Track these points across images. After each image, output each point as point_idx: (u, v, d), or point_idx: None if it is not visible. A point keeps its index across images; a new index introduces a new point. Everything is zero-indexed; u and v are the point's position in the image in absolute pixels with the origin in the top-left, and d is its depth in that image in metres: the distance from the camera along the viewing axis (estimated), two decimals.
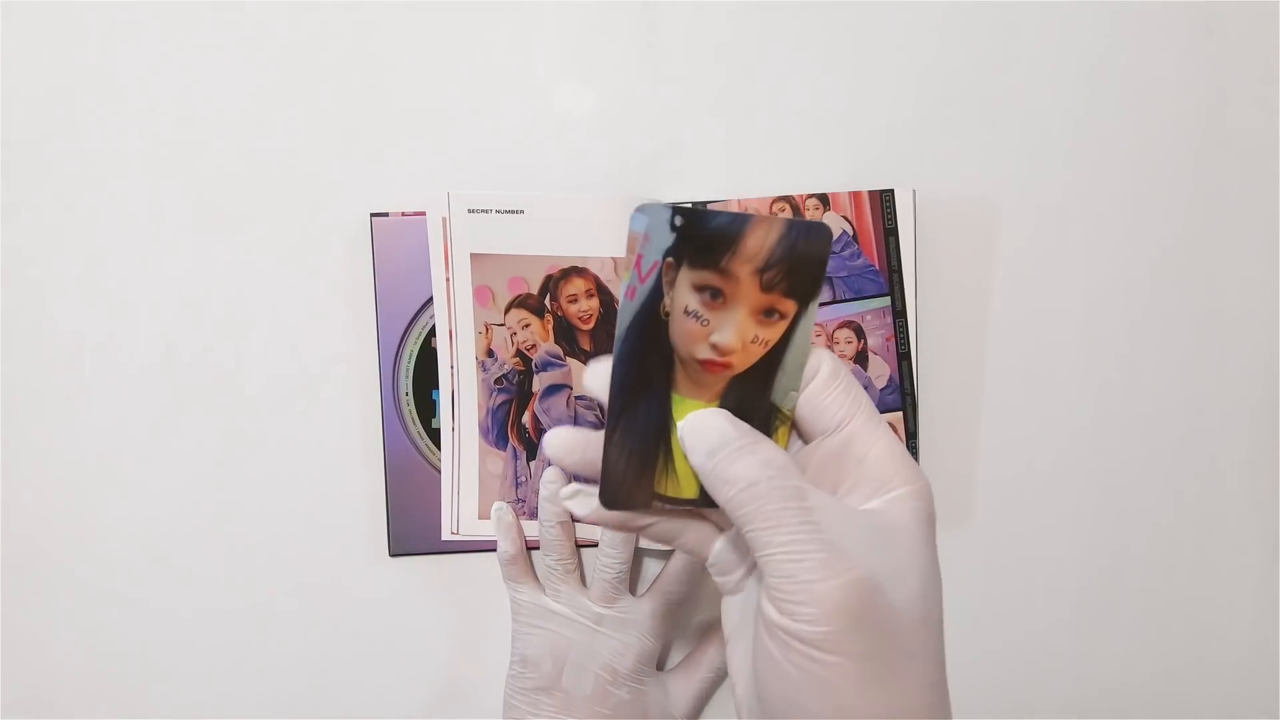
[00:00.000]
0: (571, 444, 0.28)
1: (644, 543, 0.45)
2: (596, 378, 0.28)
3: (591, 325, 0.43)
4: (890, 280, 0.44)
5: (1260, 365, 0.48)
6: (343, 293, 0.44)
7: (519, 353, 0.44)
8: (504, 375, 0.44)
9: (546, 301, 0.43)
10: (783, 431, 0.28)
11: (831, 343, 0.44)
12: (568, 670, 0.42)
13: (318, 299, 0.45)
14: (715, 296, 0.26)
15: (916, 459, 0.44)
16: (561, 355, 0.44)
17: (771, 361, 0.27)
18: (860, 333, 0.44)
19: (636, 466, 0.28)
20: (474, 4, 0.44)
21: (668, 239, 0.26)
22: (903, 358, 0.44)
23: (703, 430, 0.26)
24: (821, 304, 0.44)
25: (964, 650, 0.38)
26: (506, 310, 0.43)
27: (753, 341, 0.27)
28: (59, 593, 0.45)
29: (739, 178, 0.45)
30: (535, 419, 0.44)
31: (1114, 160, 0.46)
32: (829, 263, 0.27)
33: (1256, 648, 0.49)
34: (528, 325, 0.43)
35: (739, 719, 0.28)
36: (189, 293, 0.44)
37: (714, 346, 0.27)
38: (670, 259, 0.26)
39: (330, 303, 0.45)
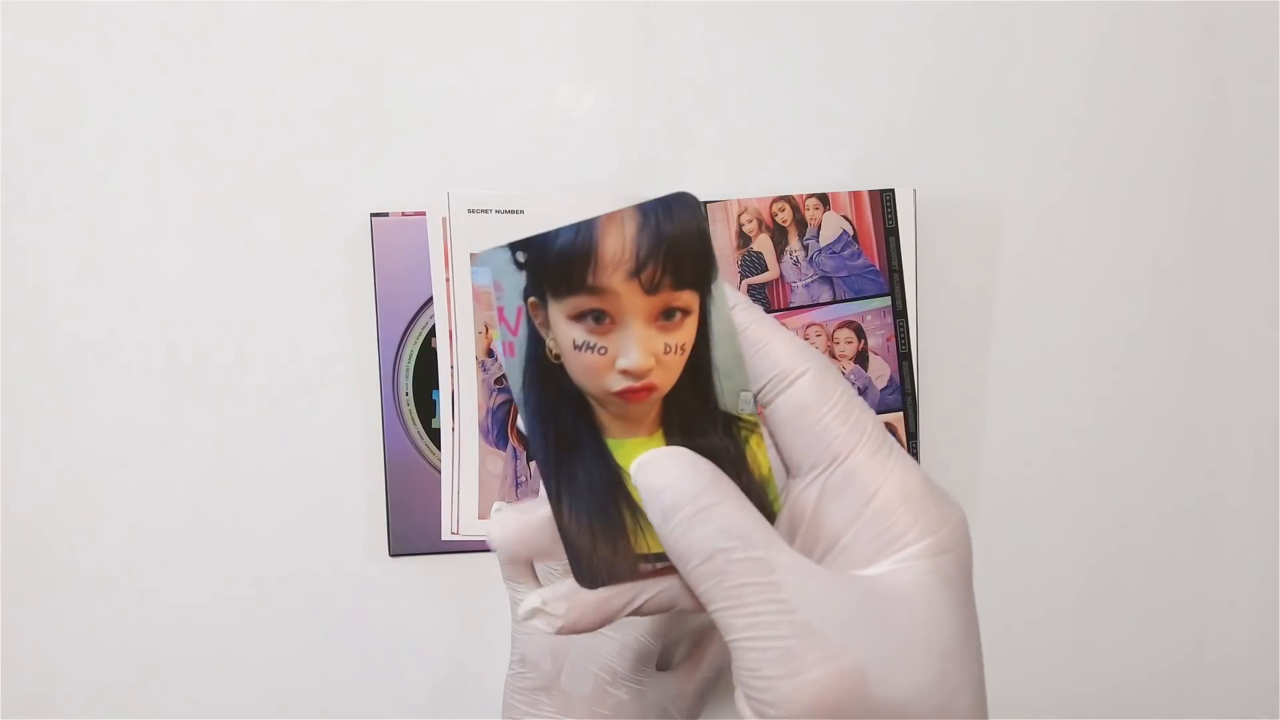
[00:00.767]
0: (519, 532, 0.24)
1: None
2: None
3: None
4: (890, 280, 0.44)
5: (1261, 365, 0.48)
6: (343, 293, 0.44)
7: None
8: (504, 375, 0.44)
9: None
10: (755, 442, 0.24)
11: (832, 343, 0.44)
12: (566, 670, 0.42)
13: (318, 299, 0.45)
14: (599, 319, 0.23)
15: (917, 459, 0.44)
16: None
17: (699, 366, 0.23)
18: (860, 333, 0.44)
19: (604, 535, 0.23)
20: (474, 4, 0.44)
21: (519, 279, 0.23)
22: (903, 358, 0.44)
23: (656, 487, 0.22)
24: (822, 304, 0.44)
25: None
26: None
27: (666, 352, 0.23)
28: (59, 592, 0.45)
29: (739, 178, 0.45)
30: None
31: (1114, 159, 0.46)
32: (707, 239, 0.23)
33: (1256, 648, 0.49)
34: None
35: None
36: (189, 292, 0.44)
37: (624, 373, 0.23)
38: (532, 298, 0.23)
39: (330, 303, 0.45)
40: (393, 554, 0.45)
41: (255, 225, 0.44)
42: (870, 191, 0.44)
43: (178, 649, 0.46)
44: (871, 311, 0.44)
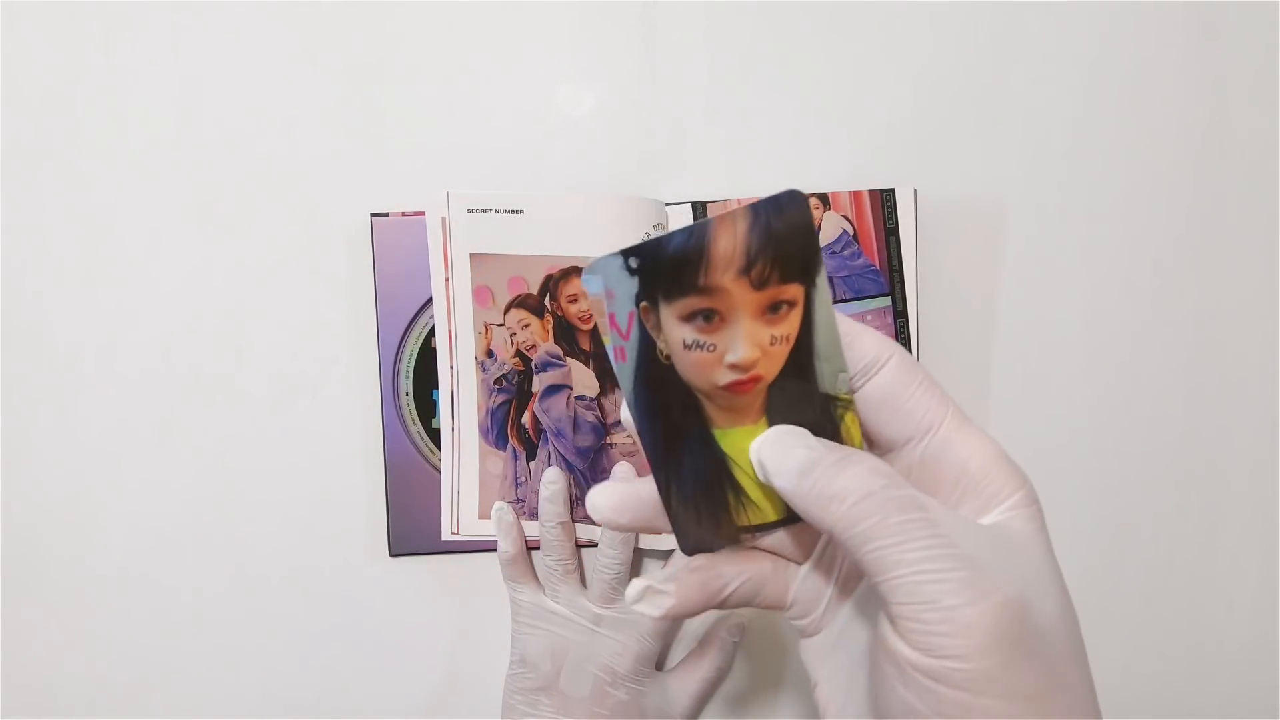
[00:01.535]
0: (621, 504, 0.25)
1: (645, 543, 0.44)
2: (630, 423, 0.25)
3: (591, 325, 0.43)
4: (891, 280, 0.44)
5: (1261, 365, 0.48)
6: (343, 293, 0.44)
7: (519, 353, 0.44)
8: (504, 375, 0.44)
9: (546, 301, 0.43)
10: (850, 419, 0.25)
11: None
12: (566, 671, 0.42)
13: (318, 299, 0.45)
14: (709, 319, 0.24)
15: None
16: (561, 355, 0.44)
17: (802, 354, 0.24)
18: None
19: (708, 512, 0.25)
20: (474, 4, 0.44)
21: (631, 286, 0.23)
22: None
23: (784, 452, 0.23)
24: None
25: None
26: (506, 310, 0.43)
27: (771, 344, 0.24)
28: (60, 593, 0.45)
29: (739, 177, 0.45)
30: (535, 419, 0.44)
31: (1115, 159, 0.46)
32: (816, 237, 0.24)
33: (1256, 648, 0.49)
34: (527, 325, 0.43)
35: None
36: (189, 293, 0.44)
37: (732, 367, 0.24)
38: (644, 303, 0.24)
39: (330, 303, 0.45)
40: (393, 554, 0.45)
41: (255, 226, 0.44)
42: (870, 191, 0.44)
43: (178, 649, 0.46)
44: (872, 311, 0.44)
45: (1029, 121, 0.46)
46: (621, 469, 0.44)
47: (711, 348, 0.24)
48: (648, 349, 0.24)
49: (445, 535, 0.45)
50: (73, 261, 0.44)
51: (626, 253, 0.23)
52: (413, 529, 0.45)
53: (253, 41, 0.43)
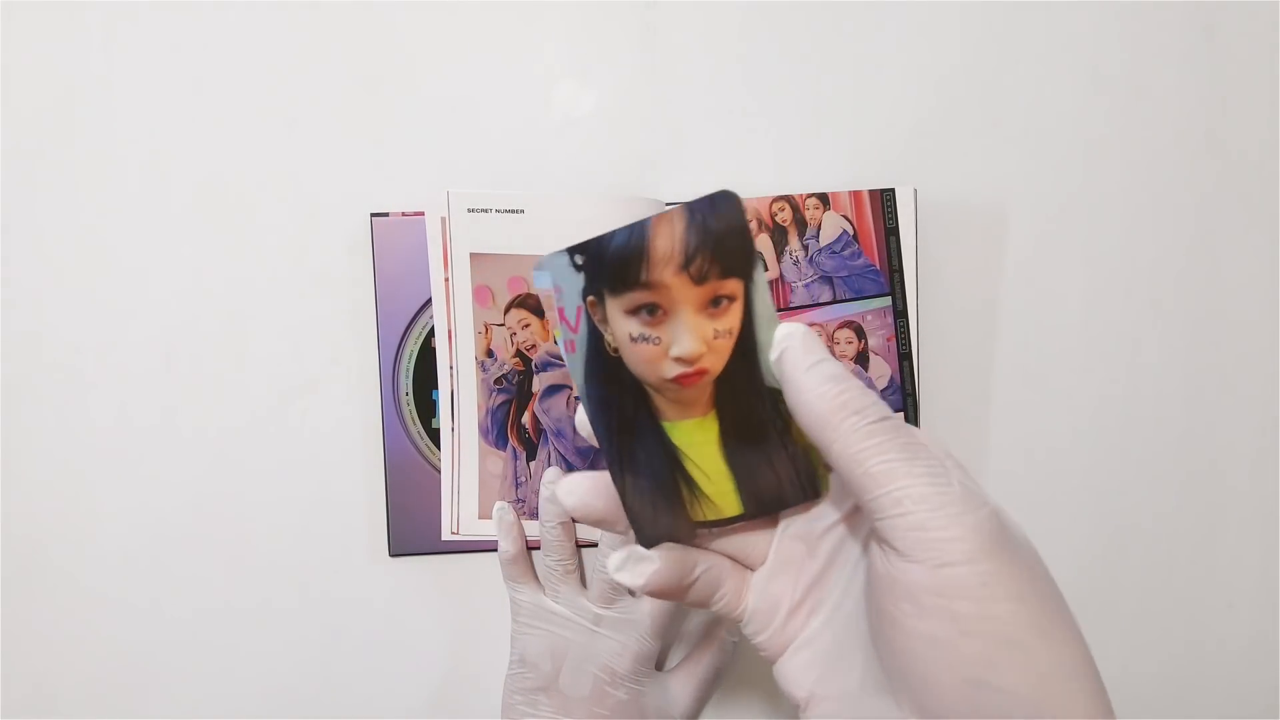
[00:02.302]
0: (592, 492, 0.26)
1: None
2: (584, 426, 0.26)
3: None
4: (891, 280, 0.44)
5: (1262, 365, 0.48)
6: (343, 293, 0.44)
7: (519, 353, 0.44)
8: (504, 375, 0.44)
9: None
10: None
11: (832, 343, 0.44)
12: (565, 671, 0.42)
13: (318, 299, 0.44)
14: (653, 312, 0.25)
15: None
16: (561, 355, 0.44)
17: (746, 348, 0.25)
18: (861, 333, 0.44)
19: (664, 506, 0.26)
20: (474, 4, 0.44)
21: (577, 281, 0.25)
22: (904, 358, 0.44)
23: (812, 351, 0.24)
24: (822, 304, 0.44)
25: None
26: (506, 310, 0.43)
27: (715, 338, 0.25)
28: (59, 593, 0.45)
29: (739, 178, 0.45)
30: (535, 419, 0.44)
31: (1115, 159, 0.46)
32: (748, 232, 0.25)
33: (1256, 648, 0.49)
34: (528, 325, 0.43)
35: None
36: (189, 293, 0.44)
37: (678, 360, 0.25)
38: (590, 297, 0.25)
39: (330, 303, 0.45)
40: (393, 554, 0.45)
41: (255, 225, 0.44)
42: (870, 191, 0.44)
43: (177, 649, 0.46)
44: (872, 311, 0.44)
45: (1029, 121, 0.46)
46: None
47: (656, 340, 0.25)
48: (596, 341, 0.25)
49: (445, 535, 0.45)
50: (73, 261, 0.44)
51: (572, 250, 0.25)
52: (413, 529, 0.45)
53: (253, 41, 0.43)
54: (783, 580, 0.26)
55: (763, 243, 0.44)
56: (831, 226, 0.44)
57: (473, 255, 0.43)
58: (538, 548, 0.44)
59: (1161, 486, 0.48)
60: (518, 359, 0.44)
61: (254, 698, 0.46)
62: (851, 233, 0.44)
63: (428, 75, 0.44)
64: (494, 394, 0.44)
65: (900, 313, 0.44)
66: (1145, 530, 0.48)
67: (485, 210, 0.42)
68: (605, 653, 0.42)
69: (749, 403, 0.26)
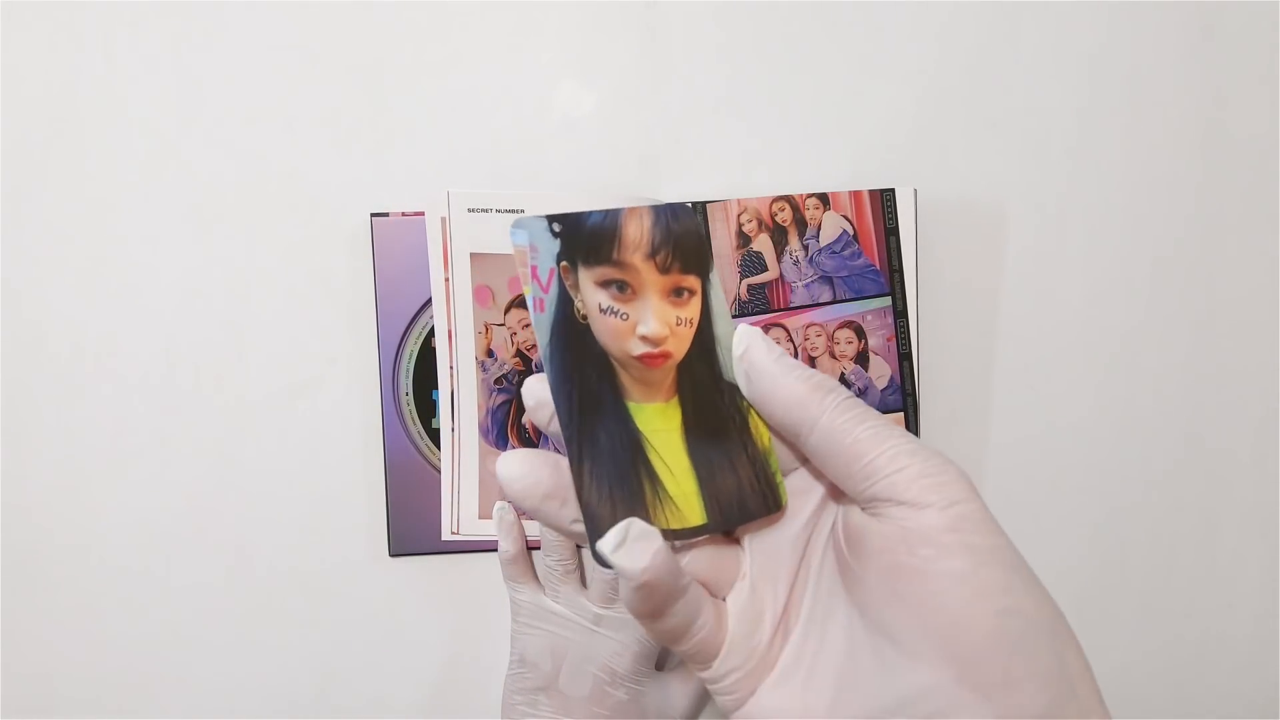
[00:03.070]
0: (530, 470, 0.24)
1: None
2: (534, 394, 0.25)
3: None
4: (891, 280, 0.44)
5: (1261, 365, 0.48)
6: (343, 293, 0.44)
7: (519, 353, 0.44)
8: (504, 375, 0.44)
9: None
10: (755, 413, 0.26)
11: (832, 343, 0.44)
12: (565, 671, 0.42)
13: (318, 299, 0.44)
14: (623, 289, 0.26)
15: None
16: None
17: (705, 339, 0.26)
18: (861, 333, 0.44)
19: (624, 505, 0.24)
20: (474, 4, 0.44)
21: (553, 245, 0.26)
22: (904, 358, 0.44)
23: (773, 345, 0.25)
24: (822, 304, 0.44)
25: None
26: (507, 310, 0.43)
27: (678, 324, 0.26)
28: (59, 593, 0.45)
29: (739, 178, 0.45)
30: None
31: (1114, 159, 0.46)
32: (706, 241, 0.27)
33: (1256, 648, 0.49)
34: (528, 325, 0.43)
35: None
36: (189, 292, 0.44)
37: (644, 339, 0.26)
38: (564, 263, 0.26)
39: (330, 303, 0.45)
40: (393, 554, 0.45)
41: (255, 225, 0.44)
42: (870, 191, 0.44)
43: (178, 649, 0.46)
44: (872, 311, 0.44)
45: (1029, 121, 0.46)
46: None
47: (625, 316, 0.26)
48: (565, 305, 0.26)
49: (445, 535, 0.45)
50: (73, 261, 0.44)
51: (551, 217, 0.26)
52: (413, 529, 0.45)
53: (253, 41, 0.43)
54: (761, 600, 0.25)
55: (762, 243, 0.44)
56: (831, 226, 0.44)
57: (473, 255, 0.43)
58: (538, 548, 0.44)
59: (1161, 486, 0.48)
60: (518, 359, 0.44)
61: (254, 698, 0.46)
62: (851, 233, 0.44)
63: (428, 75, 0.44)
64: (494, 394, 0.44)
65: (900, 313, 0.44)
66: (1145, 530, 0.48)
67: (485, 210, 0.42)
68: (605, 653, 0.42)
69: (710, 393, 0.26)
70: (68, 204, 0.44)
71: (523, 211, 0.42)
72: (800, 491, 0.26)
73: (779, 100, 0.45)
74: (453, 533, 0.44)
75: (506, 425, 0.44)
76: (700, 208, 0.43)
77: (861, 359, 0.44)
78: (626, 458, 0.25)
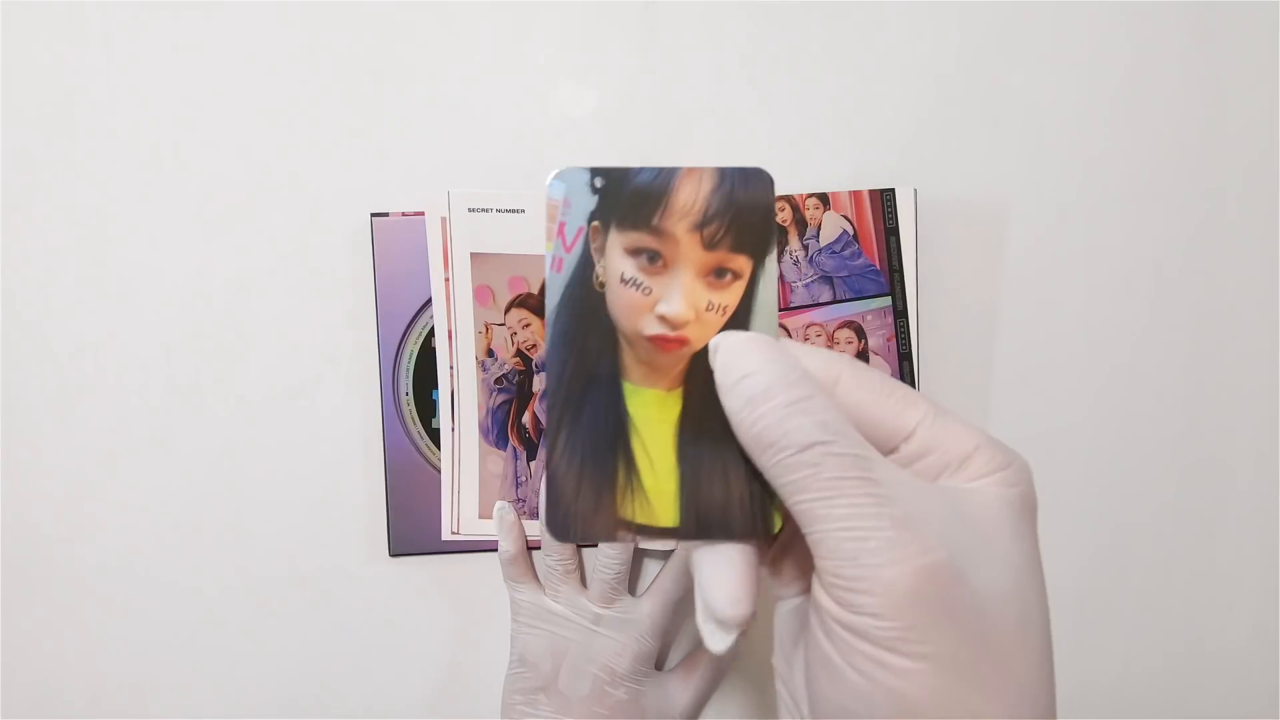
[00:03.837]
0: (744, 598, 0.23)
1: (644, 543, 0.44)
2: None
3: None
4: (891, 280, 0.44)
5: (1262, 365, 0.48)
6: (343, 293, 0.44)
7: (519, 352, 0.44)
8: (504, 375, 0.44)
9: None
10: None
11: (832, 343, 0.44)
12: (564, 670, 0.42)
13: (318, 299, 0.44)
14: (653, 260, 0.23)
15: None
16: None
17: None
18: (861, 333, 0.44)
19: (591, 485, 0.23)
20: (474, 4, 0.44)
21: (589, 202, 0.23)
22: (904, 358, 0.44)
23: (744, 369, 0.22)
24: (822, 304, 0.44)
25: None
26: (507, 310, 0.43)
27: (708, 309, 0.23)
28: (59, 593, 0.45)
29: None
30: (536, 419, 0.44)
31: (1115, 159, 0.46)
32: (772, 215, 0.24)
33: (1256, 648, 0.49)
34: (528, 325, 0.43)
35: None
36: (189, 293, 0.44)
37: (662, 319, 0.23)
38: (596, 222, 0.23)
39: (330, 303, 0.45)
40: (393, 554, 0.45)
41: (255, 225, 0.44)
42: (870, 191, 0.44)
43: (177, 649, 0.46)
44: (872, 311, 0.44)
45: (1029, 121, 0.46)
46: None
47: (647, 290, 0.24)
48: (585, 269, 0.24)
49: (445, 535, 0.44)
50: (73, 262, 0.44)
51: (596, 170, 0.24)
52: (413, 529, 0.45)
53: (253, 41, 0.43)
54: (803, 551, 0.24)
55: None
56: (831, 226, 0.44)
57: (473, 255, 0.43)
58: (538, 547, 0.44)
59: (1161, 486, 0.48)
60: (518, 358, 0.44)
61: (254, 698, 0.46)
62: (851, 233, 0.44)
63: (428, 75, 0.44)
64: (494, 394, 0.44)
65: (900, 313, 0.44)
66: (1145, 530, 0.48)
67: (485, 210, 0.42)
68: (605, 652, 0.42)
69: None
70: (68, 204, 0.44)
71: (523, 212, 0.42)
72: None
73: (779, 100, 0.45)
74: (453, 533, 0.44)
75: (506, 425, 0.44)
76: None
77: (861, 359, 0.44)
78: (607, 437, 0.23)
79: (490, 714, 0.46)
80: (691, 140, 0.45)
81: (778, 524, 0.23)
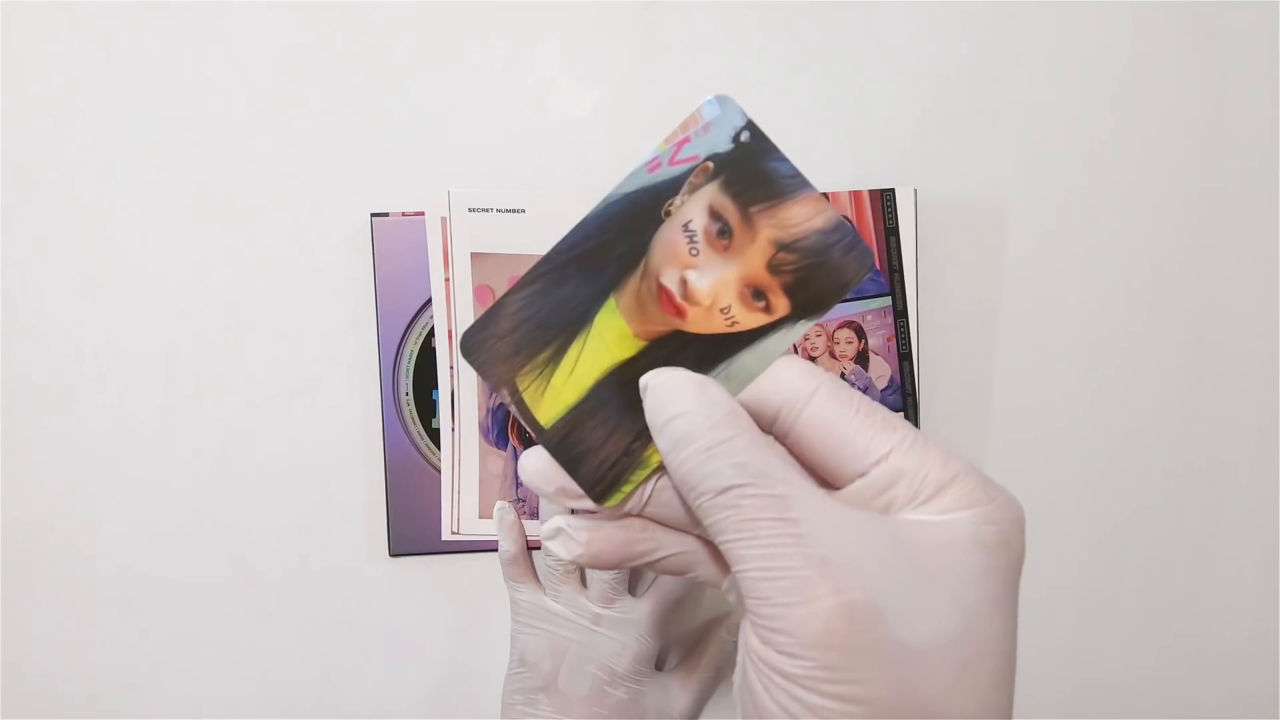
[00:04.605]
0: (597, 544, 0.24)
1: None
2: (530, 468, 0.24)
3: None
4: (891, 280, 0.44)
5: (1262, 365, 0.48)
6: (343, 293, 0.44)
7: None
8: None
9: None
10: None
11: (832, 343, 0.44)
12: (564, 670, 0.42)
13: (318, 299, 0.44)
14: (722, 235, 0.23)
15: None
16: None
17: (724, 348, 0.23)
18: (861, 333, 0.44)
19: (521, 339, 0.23)
20: (474, 4, 0.44)
21: (724, 143, 0.23)
22: (904, 358, 0.44)
23: (669, 412, 0.22)
24: None
25: None
26: None
27: (723, 311, 0.23)
28: (59, 593, 0.45)
29: None
30: None
31: (1115, 159, 0.46)
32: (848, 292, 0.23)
33: (1256, 648, 0.49)
34: None
35: None
36: (189, 292, 0.44)
37: (684, 282, 0.23)
38: (710, 162, 0.23)
39: (330, 303, 0.45)
40: (393, 554, 0.45)
41: (255, 225, 0.44)
42: (870, 191, 0.44)
43: (177, 649, 0.46)
44: (872, 311, 0.44)
45: (1029, 121, 0.46)
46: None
47: (695, 251, 0.23)
48: (667, 191, 0.23)
49: (445, 535, 0.45)
50: (73, 261, 0.44)
51: (751, 124, 0.23)
52: (413, 529, 0.45)
53: (253, 41, 0.43)
54: None
55: None
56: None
57: (473, 255, 0.43)
58: (538, 547, 0.44)
59: (1161, 486, 0.48)
60: None
61: (254, 698, 0.46)
62: None
63: (428, 75, 0.44)
64: (494, 394, 0.44)
65: (900, 313, 0.44)
66: (1145, 529, 0.48)
67: (486, 210, 0.42)
68: (605, 652, 0.42)
69: None
70: (68, 204, 0.44)
71: (523, 212, 0.42)
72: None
73: (779, 100, 0.45)
74: (453, 533, 0.44)
75: (506, 425, 0.44)
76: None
77: (861, 359, 0.44)
78: (561, 322, 0.23)
79: (490, 714, 0.46)
80: None
81: (614, 500, 0.24)
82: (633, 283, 0.23)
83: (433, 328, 0.44)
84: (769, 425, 0.23)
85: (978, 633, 0.20)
